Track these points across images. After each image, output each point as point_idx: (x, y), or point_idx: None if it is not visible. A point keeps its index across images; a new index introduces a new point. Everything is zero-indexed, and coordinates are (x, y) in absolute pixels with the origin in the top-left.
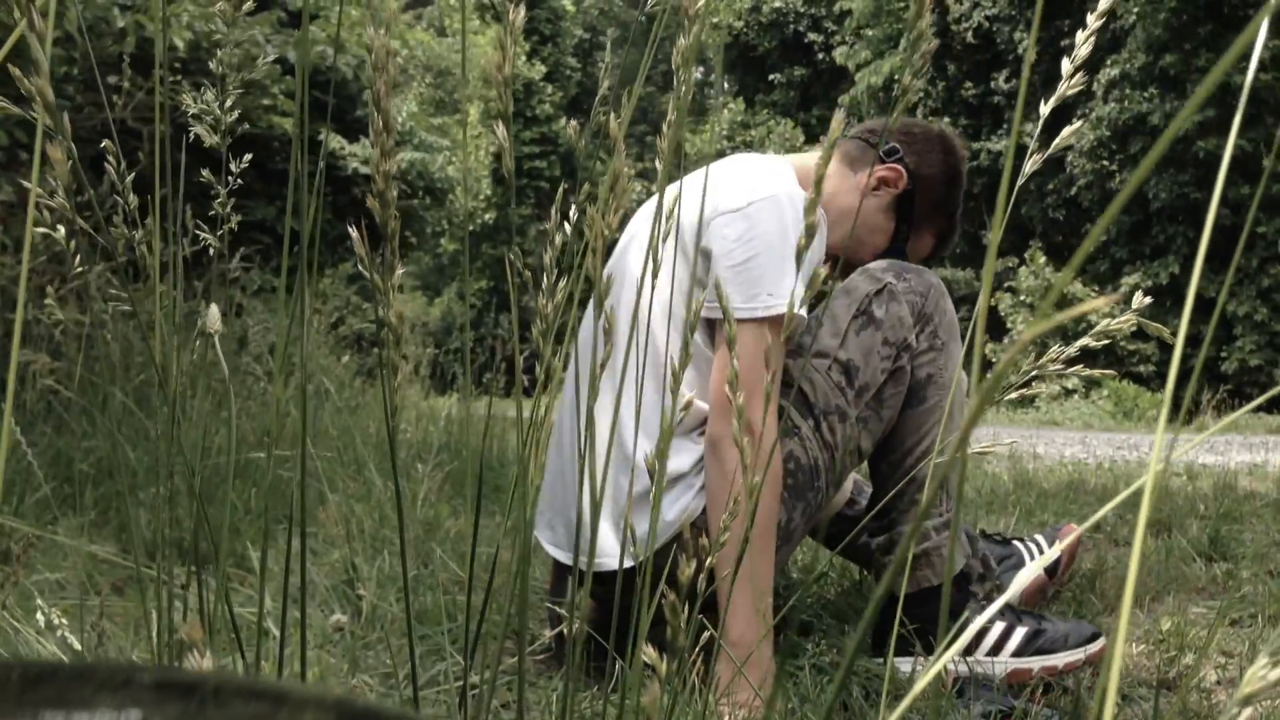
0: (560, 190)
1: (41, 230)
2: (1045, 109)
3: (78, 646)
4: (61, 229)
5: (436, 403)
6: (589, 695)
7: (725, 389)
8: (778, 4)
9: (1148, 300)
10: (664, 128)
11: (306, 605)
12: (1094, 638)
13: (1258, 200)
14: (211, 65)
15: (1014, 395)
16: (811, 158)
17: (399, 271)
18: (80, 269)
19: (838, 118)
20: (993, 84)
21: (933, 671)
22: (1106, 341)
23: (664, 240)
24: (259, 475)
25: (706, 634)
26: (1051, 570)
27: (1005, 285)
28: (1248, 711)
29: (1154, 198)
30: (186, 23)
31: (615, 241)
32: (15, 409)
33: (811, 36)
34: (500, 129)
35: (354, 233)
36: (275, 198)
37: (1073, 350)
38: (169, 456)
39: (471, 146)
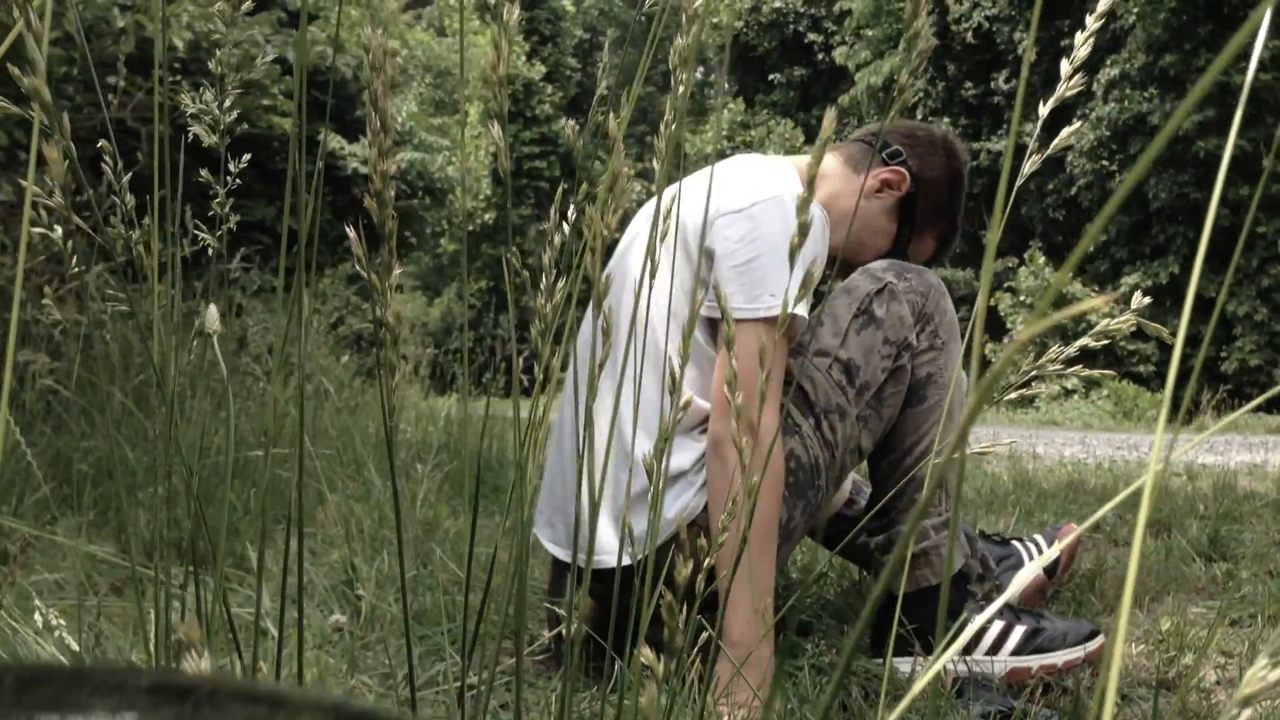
0: (559, 190)
1: (39, 230)
2: (1044, 109)
3: (75, 647)
4: (59, 229)
5: (436, 403)
6: (588, 696)
7: (726, 389)
8: (778, 4)
9: (1147, 300)
10: (662, 127)
11: (306, 605)
12: (1093, 635)
13: (1257, 200)
14: (211, 65)
15: (1014, 395)
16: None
17: (396, 271)
18: (77, 269)
19: (829, 116)
20: (992, 84)
21: (932, 672)
22: (1106, 342)
23: (662, 240)
24: (258, 475)
25: (705, 634)
26: (1051, 570)
27: (1005, 285)
28: (1247, 712)
29: (1154, 198)
30: (186, 23)
31: (615, 242)
32: (15, 409)
33: (811, 37)
34: (495, 129)
35: (351, 232)
36: (275, 198)
37: (1072, 350)
38: (167, 457)
39: (471, 147)
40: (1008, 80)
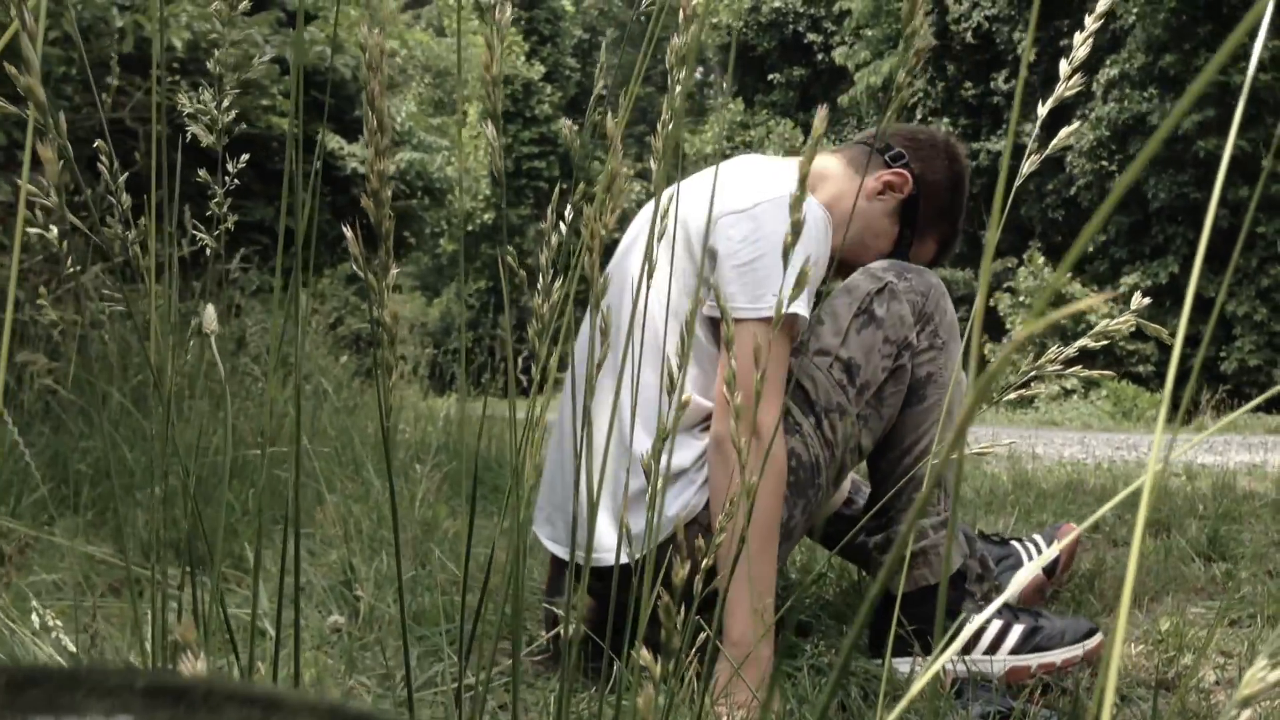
0: (556, 190)
1: (35, 230)
2: (1043, 109)
3: (73, 648)
4: (54, 229)
5: (435, 403)
6: (586, 696)
7: (726, 388)
8: (777, 4)
9: (1147, 301)
10: (659, 127)
11: (304, 606)
12: (1091, 634)
13: (1256, 200)
14: (209, 65)
15: (1013, 396)
16: (817, 159)
17: (394, 271)
18: (73, 269)
19: (821, 114)
20: (992, 84)
21: (930, 672)
22: (1105, 342)
23: (659, 240)
24: (256, 476)
25: (704, 634)
26: (1050, 570)
27: (1005, 285)
28: (1247, 712)
29: (1153, 198)
30: (185, 23)
31: (615, 242)
32: (13, 409)
33: (811, 37)
34: (489, 128)
35: (348, 232)
36: (274, 198)
37: (1072, 351)
38: (164, 457)
39: (471, 147)
40: (1007, 80)
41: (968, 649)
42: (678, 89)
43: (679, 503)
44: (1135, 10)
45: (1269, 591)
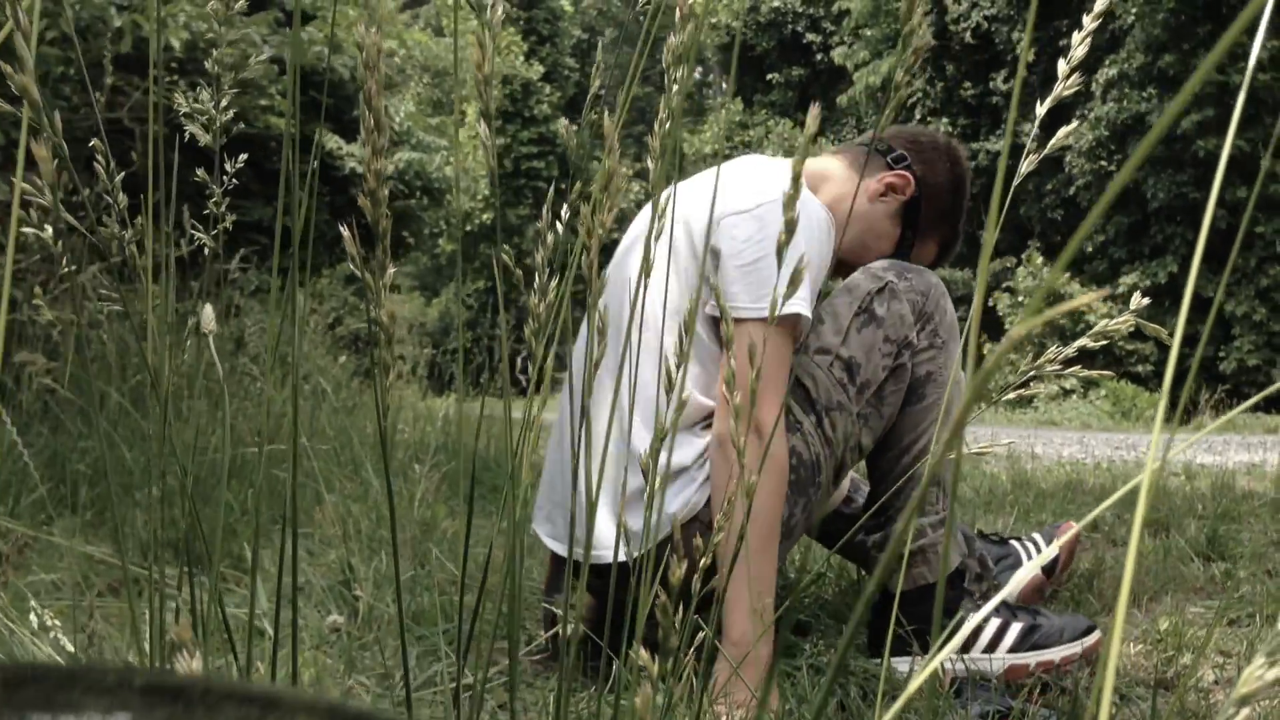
0: (552, 189)
1: (31, 230)
2: (1041, 109)
3: (71, 648)
4: (50, 228)
5: (434, 403)
6: (585, 696)
7: (726, 387)
8: (776, 4)
9: (1146, 300)
10: (656, 127)
11: (302, 605)
12: (1089, 631)
13: (1254, 200)
14: (207, 65)
15: (1012, 395)
16: (819, 160)
17: (391, 271)
18: (68, 269)
19: (813, 113)
20: (991, 84)
21: (928, 671)
22: (1104, 342)
23: (657, 240)
24: (254, 475)
25: (703, 634)
26: (1049, 569)
27: (1004, 285)
28: (1245, 711)
29: (1152, 198)
30: (183, 23)
31: (614, 242)
32: (11, 409)
33: (810, 36)
34: (482, 128)
35: (346, 232)
36: (272, 198)
37: (1071, 351)
38: (162, 457)
39: (469, 147)
40: (1006, 80)
41: (966, 647)
42: (675, 88)
43: (680, 500)
44: (1134, 10)
45: (1268, 591)
